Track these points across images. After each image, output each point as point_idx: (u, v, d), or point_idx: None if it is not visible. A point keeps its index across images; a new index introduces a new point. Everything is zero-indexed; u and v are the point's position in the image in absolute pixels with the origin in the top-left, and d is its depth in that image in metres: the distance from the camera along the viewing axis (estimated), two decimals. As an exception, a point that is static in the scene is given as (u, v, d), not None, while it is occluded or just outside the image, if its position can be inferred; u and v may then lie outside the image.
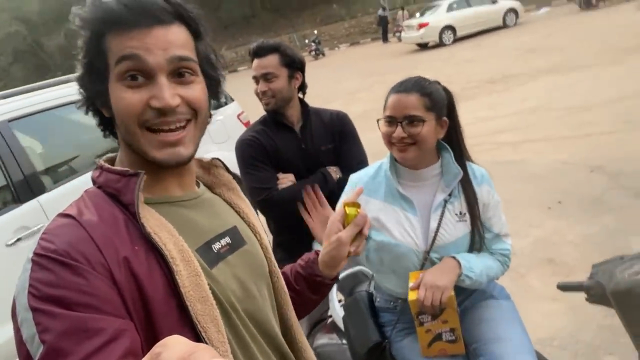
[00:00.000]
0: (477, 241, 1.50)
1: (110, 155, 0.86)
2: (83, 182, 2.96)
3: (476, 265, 1.46)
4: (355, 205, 1.00)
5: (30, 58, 35.60)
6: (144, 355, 0.65)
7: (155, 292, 0.70)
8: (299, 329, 0.98)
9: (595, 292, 1.23)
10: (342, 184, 1.85)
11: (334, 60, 20.55)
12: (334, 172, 1.91)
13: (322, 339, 1.75)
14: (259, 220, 0.98)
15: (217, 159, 0.96)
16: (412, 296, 1.39)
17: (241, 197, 0.97)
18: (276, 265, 0.97)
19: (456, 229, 1.47)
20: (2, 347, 2.38)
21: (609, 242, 3.12)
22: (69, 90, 3.21)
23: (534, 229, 3.58)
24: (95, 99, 0.79)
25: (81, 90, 0.80)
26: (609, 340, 2.34)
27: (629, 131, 4.99)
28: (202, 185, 0.92)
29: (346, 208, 0.99)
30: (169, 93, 0.73)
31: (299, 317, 1.02)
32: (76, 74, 0.79)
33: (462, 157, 1.53)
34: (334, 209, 1.90)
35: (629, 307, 1.14)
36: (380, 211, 1.50)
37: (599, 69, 7.95)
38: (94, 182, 0.80)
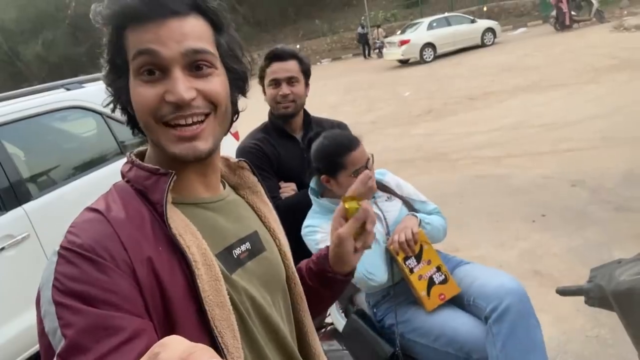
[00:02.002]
0: (410, 206, 1.80)
1: (140, 149, 0.85)
2: (72, 189, 2.91)
3: (429, 218, 1.76)
4: (355, 199, 0.95)
5: (5, 66, 34.91)
6: None
7: (175, 293, 0.69)
8: (314, 335, 0.98)
9: (595, 295, 1.24)
10: None
11: (317, 74, 20.53)
12: None
13: (323, 346, 1.73)
14: (280, 226, 0.97)
15: (244, 160, 0.95)
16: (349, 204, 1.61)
17: (264, 201, 0.96)
18: (294, 271, 0.97)
19: (393, 207, 1.77)
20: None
21: (592, 254, 3.18)
22: (52, 97, 3.15)
23: (520, 241, 3.64)
24: (120, 96, 0.78)
25: (108, 88, 0.79)
26: (597, 350, 2.38)
27: (607, 147, 5.15)
28: (227, 187, 0.91)
29: (345, 203, 0.95)
30: (183, 87, 0.71)
31: (317, 314, 1.02)
32: (102, 72, 0.78)
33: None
34: None
35: (630, 308, 1.15)
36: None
37: (575, 87, 8.21)
38: (123, 176, 0.80)
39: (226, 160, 0.93)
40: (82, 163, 3.22)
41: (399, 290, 1.71)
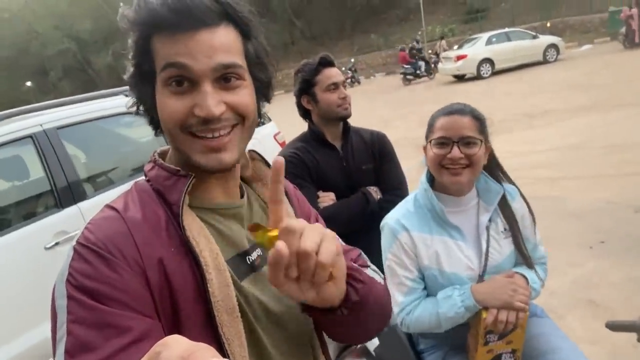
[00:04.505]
0: (524, 255, 1.50)
1: (164, 148, 0.86)
2: (122, 191, 3.02)
3: (533, 279, 1.47)
4: (260, 227, 0.65)
5: (78, 74, 37.41)
6: None
7: (185, 297, 0.69)
8: (324, 348, 0.92)
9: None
10: (382, 204, 1.81)
11: (369, 88, 20.69)
12: (375, 192, 1.87)
13: (352, 364, 1.68)
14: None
15: (254, 151, 0.92)
16: (485, 314, 1.36)
17: None
18: None
19: (503, 246, 1.48)
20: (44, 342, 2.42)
21: (657, 286, 2.95)
22: (113, 102, 3.33)
23: (574, 268, 3.43)
24: (144, 101, 0.79)
25: (132, 89, 0.80)
26: (655, 391, 2.19)
27: (677, 172, 4.78)
28: (245, 194, 0.88)
29: (255, 235, 0.66)
30: (213, 102, 0.70)
31: (348, 340, 0.96)
32: (127, 74, 0.78)
33: (498, 176, 1.53)
34: (374, 229, 1.86)
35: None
36: (433, 245, 1.46)
37: (644, 108, 7.71)
38: (145, 174, 0.81)
39: None
40: (138, 166, 3.38)
41: (452, 332, 1.46)
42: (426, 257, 1.45)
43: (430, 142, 1.46)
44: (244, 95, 0.75)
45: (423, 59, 19.77)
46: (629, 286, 3.05)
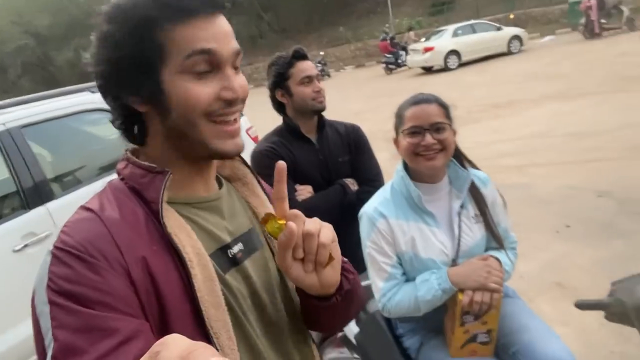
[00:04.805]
0: (496, 236, 1.55)
1: (135, 146, 0.84)
2: (92, 191, 2.95)
3: (506, 261, 1.52)
4: (273, 217, 0.76)
5: (38, 71, 36.13)
6: None
7: (171, 294, 0.69)
8: (309, 340, 0.94)
9: (616, 310, 1.20)
10: (360, 196, 1.83)
11: (340, 81, 20.73)
12: (352, 184, 1.89)
13: (332, 353, 1.72)
14: None
15: None
16: (461, 296, 1.41)
17: (255, 194, 0.92)
18: None
19: (474, 231, 1.54)
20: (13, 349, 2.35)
21: (618, 266, 3.07)
22: (78, 99, 3.23)
23: (542, 252, 3.55)
24: (133, 92, 0.74)
25: (107, 85, 0.76)
26: (621, 367, 2.29)
27: (635, 158, 4.99)
28: (224, 185, 0.89)
29: (266, 225, 0.76)
30: (237, 84, 0.74)
31: (329, 329, 0.98)
32: (98, 68, 0.74)
33: (463, 164, 1.58)
34: (352, 222, 1.87)
35: (653, 326, 1.11)
36: (409, 231, 1.51)
37: (603, 96, 8.00)
38: (119, 173, 0.79)
39: None
40: (107, 164, 3.30)
41: (429, 315, 1.51)
42: (403, 243, 1.50)
43: (402, 132, 1.51)
44: (244, 79, 0.79)
45: (404, 48, 19.96)
46: (594, 268, 3.18)
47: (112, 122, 0.81)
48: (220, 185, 0.88)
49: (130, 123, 0.79)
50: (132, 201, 0.73)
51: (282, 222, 0.74)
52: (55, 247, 0.66)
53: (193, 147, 0.76)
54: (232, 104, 0.74)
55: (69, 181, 3.14)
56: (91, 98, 3.26)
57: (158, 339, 0.64)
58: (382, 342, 1.59)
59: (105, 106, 0.80)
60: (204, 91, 0.72)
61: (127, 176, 0.77)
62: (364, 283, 1.87)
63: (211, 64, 0.72)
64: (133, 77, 0.72)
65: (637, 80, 8.57)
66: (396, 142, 1.57)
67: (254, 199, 0.92)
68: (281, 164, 0.77)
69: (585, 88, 8.91)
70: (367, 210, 1.56)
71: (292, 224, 0.71)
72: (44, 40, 35.83)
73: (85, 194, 2.93)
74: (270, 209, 0.87)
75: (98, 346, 0.58)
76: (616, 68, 10.05)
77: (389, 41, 20.85)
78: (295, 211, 0.75)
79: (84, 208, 0.72)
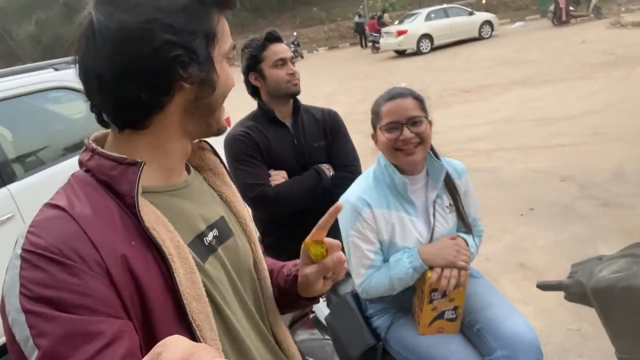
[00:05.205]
0: (464, 221, 1.61)
1: (98, 134, 0.80)
2: (59, 170, 2.87)
3: (472, 243, 1.59)
4: (319, 243, 0.86)
5: (-2, 46, 34.43)
6: (143, 355, 0.63)
7: (153, 290, 0.67)
8: (281, 322, 0.97)
9: (575, 291, 1.25)
10: (335, 181, 1.83)
11: (313, 63, 20.57)
12: (327, 170, 1.87)
13: (303, 335, 1.74)
14: (245, 209, 0.95)
15: (205, 140, 0.91)
16: (430, 274, 1.45)
17: (226, 183, 0.93)
18: (261, 255, 0.96)
19: (448, 220, 1.59)
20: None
21: (578, 248, 3.21)
22: (41, 77, 3.10)
23: (506, 234, 3.66)
24: (196, 64, 0.72)
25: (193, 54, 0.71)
26: (578, 343, 2.41)
27: (598, 143, 5.17)
28: (192, 170, 0.88)
29: (310, 248, 0.86)
30: None
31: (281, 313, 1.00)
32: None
33: (437, 155, 1.61)
34: (327, 207, 1.87)
35: (609, 305, 1.16)
36: (390, 219, 1.53)
37: (570, 83, 8.22)
38: (82, 164, 0.74)
39: None
40: (71, 145, 3.19)
41: (398, 296, 1.58)
42: (384, 231, 1.53)
43: (380, 128, 1.52)
44: None
45: (364, 33, 19.93)
46: (556, 250, 3.31)
47: (104, 109, 0.74)
48: (188, 172, 0.87)
49: (136, 109, 0.72)
50: (102, 195, 0.70)
51: (324, 247, 0.86)
52: (25, 250, 0.61)
53: (208, 124, 0.79)
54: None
55: (31, 162, 3.02)
56: (55, 75, 3.13)
57: (142, 336, 0.65)
58: (352, 323, 1.62)
59: (70, 84, 0.77)
60: (232, 75, 0.80)
61: (94, 168, 0.72)
62: None
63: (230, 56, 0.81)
64: (197, 54, 0.72)
65: (602, 67, 8.83)
66: (374, 138, 1.58)
67: (226, 189, 0.93)
68: (339, 206, 0.87)
69: (552, 74, 9.13)
70: (350, 198, 1.55)
71: (342, 257, 0.87)
72: (2, 14, 34.12)
73: (49, 175, 2.83)
74: (239, 198, 0.93)
75: (82, 351, 0.57)
76: (582, 55, 10.32)
77: (376, 20, 20.81)
78: (334, 241, 0.87)
79: (51, 205, 0.68)
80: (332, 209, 0.86)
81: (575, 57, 10.25)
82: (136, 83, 0.69)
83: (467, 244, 1.54)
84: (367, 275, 1.53)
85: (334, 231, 1.66)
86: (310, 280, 0.88)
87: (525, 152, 5.45)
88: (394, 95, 1.52)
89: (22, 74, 3.13)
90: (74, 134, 3.34)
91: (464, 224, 1.61)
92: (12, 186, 2.66)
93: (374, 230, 1.52)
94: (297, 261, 0.96)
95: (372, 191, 1.55)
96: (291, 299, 0.98)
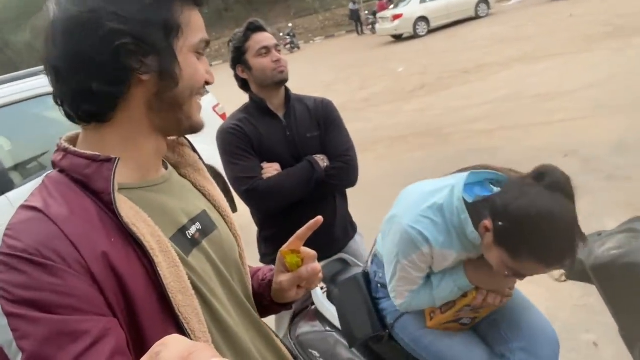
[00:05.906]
0: None
1: (70, 134, 0.79)
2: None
3: None
4: (295, 252, 0.89)
5: (-6, 55, 34.47)
6: (130, 352, 0.63)
7: (136, 285, 0.67)
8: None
9: (575, 268, 1.24)
10: (330, 172, 1.81)
11: (310, 53, 20.48)
12: (321, 161, 1.83)
13: (305, 327, 1.73)
14: (226, 203, 0.96)
15: (184, 137, 0.91)
16: (474, 294, 1.38)
17: (207, 179, 0.94)
18: (243, 249, 0.96)
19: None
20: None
21: (584, 224, 3.13)
22: (36, 83, 3.10)
23: (511, 213, 3.63)
24: (144, 57, 0.70)
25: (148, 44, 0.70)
26: (585, 319, 2.40)
27: (600, 116, 5.11)
28: (169, 166, 0.88)
29: (286, 257, 0.89)
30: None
31: None
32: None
33: None
34: (321, 198, 1.86)
35: (609, 282, 1.15)
36: (450, 258, 1.40)
37: (569, 57, 8.12)
38: (55, 165, 0.73)
39: None
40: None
41: None
42: (439, 264, 1.42)
43: None
44: None
45: (359, 19, 19.80)
46: (560, 226, 3.28)
47: (64, 102, 0.73)
48: (165, 167, 0.87)
49: (92, 101, 0.71)
50: (77, 194, 0.69)
51: (300, 257, 0.89)
52: (2, 254, 0.61)
53: (177, 119, 0.77)
54: (207, 84, 0.80)
55: (31, 169, 3.03)
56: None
57: (128, 332, 0.65)
58: (361, 305, 1.59)
59: None
60: (202, 69, 0.78)
61: (68, 167, 0.71)
62: (330, 260, 1.88)
63: (202, 51, 0.79)
64: (150, 44, 0.70)
65: (600, 39, 8.72)
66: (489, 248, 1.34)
67: (208, 184, 0.93)
68: (319, 220, 0.89)
69: (551, 49, 9.03)
70: (410, 230, 1.37)
71: (317, 268, 0.91)
72: (-2, 23, 34.15)
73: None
74: (219, 192, 0.94)
75: (68, 351, 0.56)
76: (581, 28, 10.18)
77: (386, 1, 20.67)
78: (310, 251, 0.91)
79: (26, 207, 0.67)
80: (312, 222, 0.89)
81: (574, 31, 10.12)
82: (86, 73, 0.69)
83: None
84: (410, 297, 1.47)
85: (330, 226, 1.61)
86: (284, 287, 0.92)
87: (526, 129, 5.40)
88: None
89: (17, 80, 3.13)
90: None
91: None
92: (11, 194, 2.67)
93: (429, 263, 1.41)
94: (273, 266, 0.98)
95: (438, 229, 1.36)
96: (264, 303, 0.99)
